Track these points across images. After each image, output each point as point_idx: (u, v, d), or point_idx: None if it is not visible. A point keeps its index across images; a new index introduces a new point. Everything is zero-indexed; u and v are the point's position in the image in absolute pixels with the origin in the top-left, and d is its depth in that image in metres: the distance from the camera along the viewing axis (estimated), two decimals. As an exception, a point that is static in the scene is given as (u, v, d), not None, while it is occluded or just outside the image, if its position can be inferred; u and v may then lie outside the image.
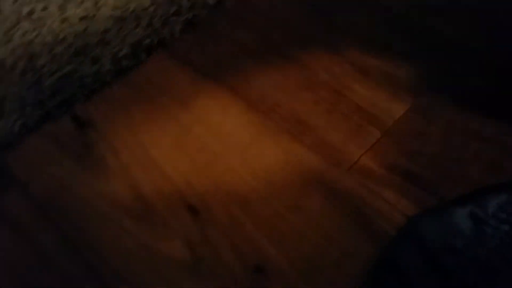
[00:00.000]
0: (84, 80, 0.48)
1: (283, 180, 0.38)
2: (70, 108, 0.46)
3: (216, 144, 0.42)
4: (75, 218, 0.38)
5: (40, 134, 0.44)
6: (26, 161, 0.42)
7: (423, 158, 0.39)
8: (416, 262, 0.33)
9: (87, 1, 0.53)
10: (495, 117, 0.42)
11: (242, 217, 0.37)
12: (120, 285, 0.34)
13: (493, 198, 0.34)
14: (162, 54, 0.49)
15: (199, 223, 0.36)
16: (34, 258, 0.36)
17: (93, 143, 0.42)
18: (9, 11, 0.53)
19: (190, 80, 0.47)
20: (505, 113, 0.42)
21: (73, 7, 0.53)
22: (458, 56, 0.46)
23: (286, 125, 0.42)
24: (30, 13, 0.53)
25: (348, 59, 0.47)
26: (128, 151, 0.41)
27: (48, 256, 0.36)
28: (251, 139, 0.42)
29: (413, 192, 0.37)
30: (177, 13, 0.52)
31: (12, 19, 0.53)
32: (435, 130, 0.41)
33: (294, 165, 0.39)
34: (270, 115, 0.43)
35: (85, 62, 0.49)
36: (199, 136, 0.42)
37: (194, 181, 0.39)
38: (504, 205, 0.33)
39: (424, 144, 0.40)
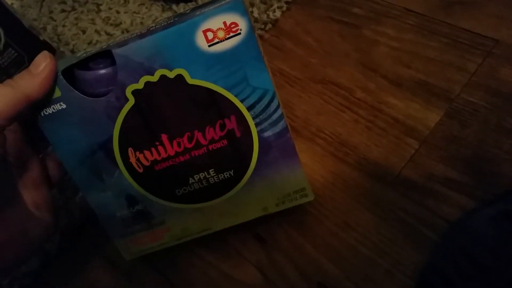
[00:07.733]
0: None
1: (332, 201, 0.43)
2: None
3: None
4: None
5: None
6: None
7: (459, 162, 0.42)
8: (458, 264, 0.36)
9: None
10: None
11: (301, 239, 0.42)
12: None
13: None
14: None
15: (266, 250, 0.42)
16: None
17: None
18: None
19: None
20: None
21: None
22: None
23: (330, 148, 0.46)
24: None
25: (381, 73, 0.50)
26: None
27: None
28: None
29: (453, 197, 0.40)
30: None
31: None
32: (470, 132, 0.44)
33: (341, 185, 0.43)
34: (315, 140, 0.47)
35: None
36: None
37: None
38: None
39: (459, 149, 0.43)
